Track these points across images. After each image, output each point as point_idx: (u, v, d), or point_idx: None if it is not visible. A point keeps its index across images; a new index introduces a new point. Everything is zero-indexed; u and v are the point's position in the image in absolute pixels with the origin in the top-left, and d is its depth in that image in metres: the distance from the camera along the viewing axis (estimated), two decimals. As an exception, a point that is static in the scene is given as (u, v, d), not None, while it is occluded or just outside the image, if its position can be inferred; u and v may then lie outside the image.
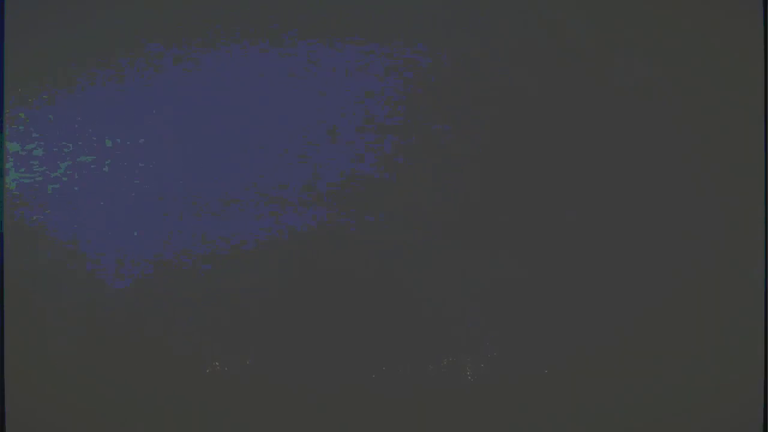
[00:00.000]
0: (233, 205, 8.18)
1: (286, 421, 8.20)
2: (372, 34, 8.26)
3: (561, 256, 8.32)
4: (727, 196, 8.32)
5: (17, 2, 8.05)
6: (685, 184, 8.36)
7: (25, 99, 8.08)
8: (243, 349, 8.24)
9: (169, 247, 8.17)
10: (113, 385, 8.21)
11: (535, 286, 8.32)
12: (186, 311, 8.14)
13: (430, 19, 8.21)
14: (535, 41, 8.33)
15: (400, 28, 8.23)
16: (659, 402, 8.32)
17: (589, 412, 8.29)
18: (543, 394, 8.33)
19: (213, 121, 8.30)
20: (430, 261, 8.25)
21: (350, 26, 8.24)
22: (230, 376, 8.22)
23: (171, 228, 8.17)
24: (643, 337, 8.36)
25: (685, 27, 8.33)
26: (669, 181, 8.37)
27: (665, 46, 8.33)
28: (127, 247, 8.20)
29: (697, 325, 8.33)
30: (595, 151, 8.35)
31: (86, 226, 8.19)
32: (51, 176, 8.16)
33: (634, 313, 8.36)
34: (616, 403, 8.34)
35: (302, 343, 8.29)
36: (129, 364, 8.21)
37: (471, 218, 8.30)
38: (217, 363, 8.19)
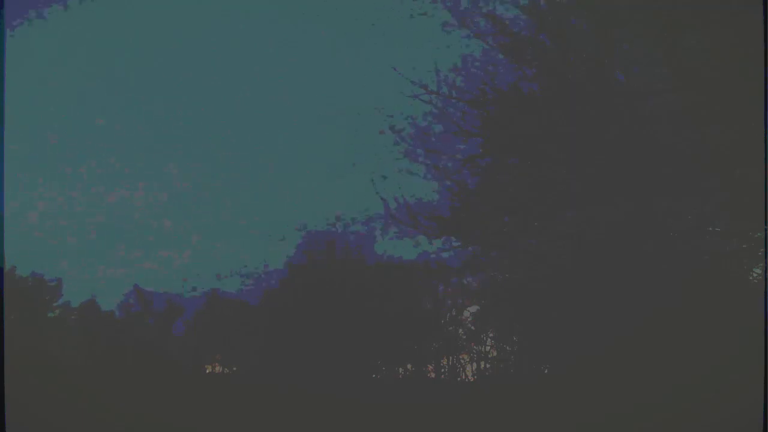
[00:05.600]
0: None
1: (286, 420, 8.22)
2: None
3: (561, 257, 8.34)
4: (726, 198, 8.33)
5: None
6: (685, 185, 8.38)
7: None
8: (243, 349, 8.27)
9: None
10: (113, 386, 8.24)
11: (534, 288, 8.34)
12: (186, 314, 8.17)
13: None
14: (536, 44, 8.35)
15: None
16: (659, 402, 8.33)
17: (589, 411, 8.30)
18: (543, 394, 8.35)
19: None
20: (429, 261, 8.26)
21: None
22: (230, 376, 8.25)
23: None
24: (642, 337, 8.38)
25: (685, 26, 8.33)
26: (669, 183, 8.39)
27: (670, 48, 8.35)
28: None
29: (697, 325, 8.35)
30: (593, 153, 8.36)
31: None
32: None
33: (634, 314, 8.38)
34: (616, 402, 8.36)
35: (302, 344, 8.31)
36: (129, 365, 8.23)
37: (470, 218, 8.31)
38: (217, 363, 8.21)
